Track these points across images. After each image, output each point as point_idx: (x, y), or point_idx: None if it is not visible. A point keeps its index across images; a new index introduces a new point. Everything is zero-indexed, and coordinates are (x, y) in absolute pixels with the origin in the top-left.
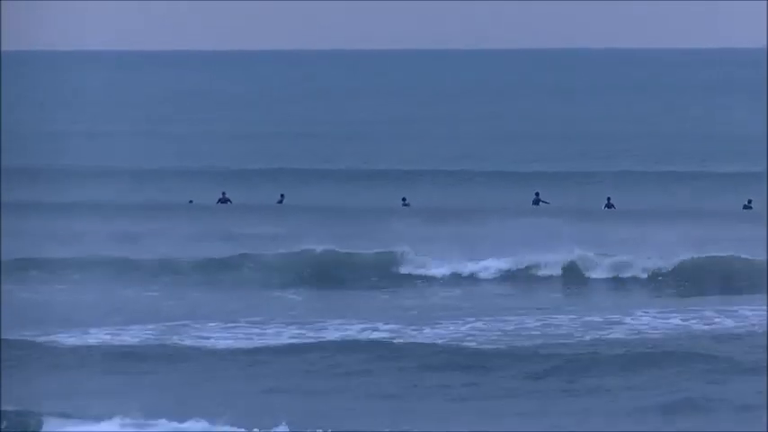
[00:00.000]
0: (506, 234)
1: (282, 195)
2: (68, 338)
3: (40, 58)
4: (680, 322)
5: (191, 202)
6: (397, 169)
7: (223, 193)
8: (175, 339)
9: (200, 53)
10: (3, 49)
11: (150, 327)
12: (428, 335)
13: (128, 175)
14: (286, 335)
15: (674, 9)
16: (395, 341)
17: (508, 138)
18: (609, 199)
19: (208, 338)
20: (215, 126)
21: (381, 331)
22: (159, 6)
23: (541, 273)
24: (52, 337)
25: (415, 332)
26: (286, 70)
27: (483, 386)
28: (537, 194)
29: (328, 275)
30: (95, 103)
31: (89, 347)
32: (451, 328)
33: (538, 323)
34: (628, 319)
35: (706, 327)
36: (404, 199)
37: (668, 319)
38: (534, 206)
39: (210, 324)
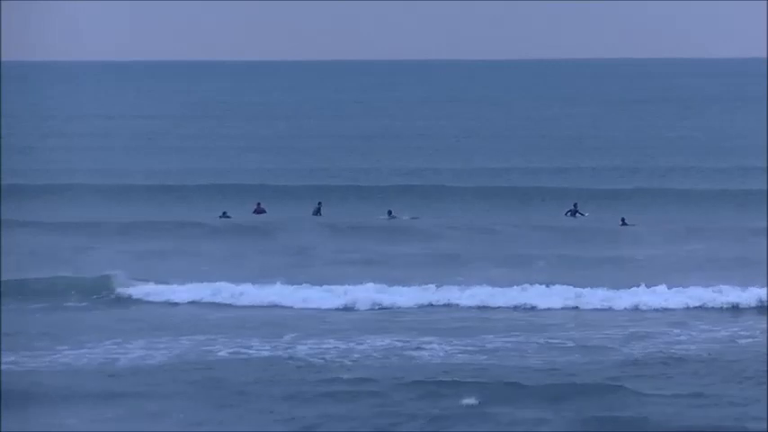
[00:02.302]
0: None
1: (320, 203)
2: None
3: (51, 68)
4: None
5: (224, 213)
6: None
7: (258, 204)
8: None
9: (213, 63)
10: (3, 59)
11: None
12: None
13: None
14: None
15: (673, 19)
16: None
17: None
18: (623, 219)
19: None
20: (233, 140)
21: None
22: (178, 16)
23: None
24: None
25: None
26: (303, 80)
27: None
28: (575, 205)
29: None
30: (110, 116)
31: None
32: None
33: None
34: None
35: None
36: (389, 212)
37: None
38: (571, 217)
39: None
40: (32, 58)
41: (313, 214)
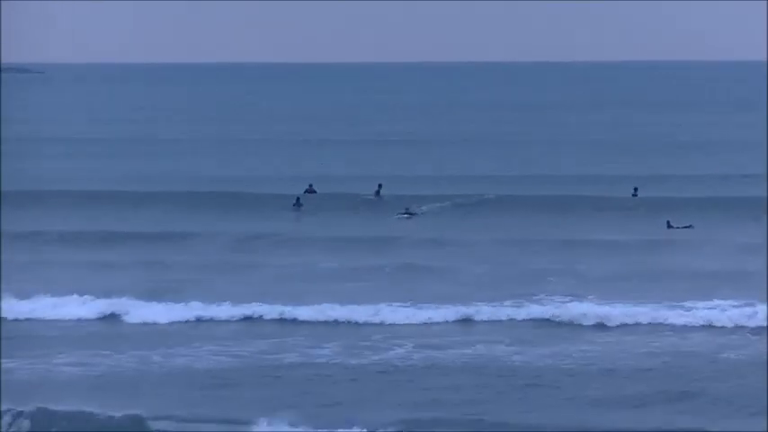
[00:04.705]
0: None
1: (380, 185)
2: None
3: (51, 71)
4: None
5: (298, 199)
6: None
7: (310, 185)
8: None
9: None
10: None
11: None
12: None
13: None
14: None
15: (673, 22)
16: None
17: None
18: (669, 221)
19: None
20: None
21: None
22: (178, 17)
23: None
24: None
25: None
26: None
27: None
28: (635, 189)
29: None
30: (133, 117)
31: None
32: None
33: None
34: None
35: None
36: (407, 209)
37: None
38: (633, 197)
39: None
40: (31, 61)
41: (374, 195)
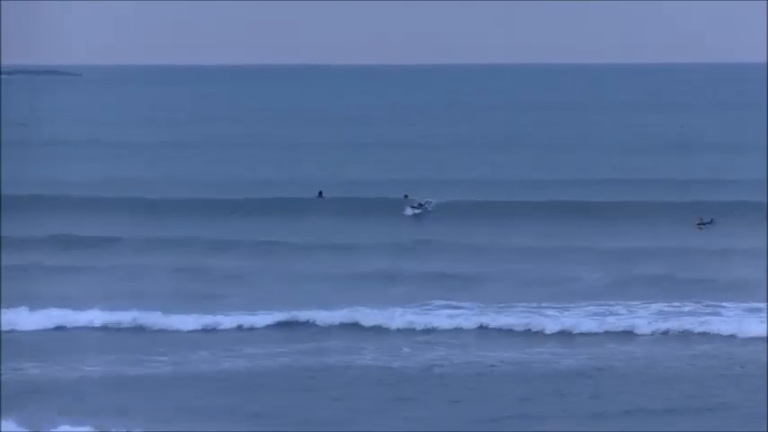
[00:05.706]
0: None
1: (406, 195)
2: None
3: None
4: None
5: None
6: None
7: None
8: None
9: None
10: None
11: None
12: None
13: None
14: None
15: (673, 23)
16: None
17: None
18: (702, 218)
19: None
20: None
21: None
22: (180, 18)
23: None
24: None
25: None
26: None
27: None
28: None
29: None
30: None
31: None
32: None
33: None
34: None
35: None
36: (420, 203)
37: None
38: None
39: None
40: (32, 62)
41: (404, 199)
